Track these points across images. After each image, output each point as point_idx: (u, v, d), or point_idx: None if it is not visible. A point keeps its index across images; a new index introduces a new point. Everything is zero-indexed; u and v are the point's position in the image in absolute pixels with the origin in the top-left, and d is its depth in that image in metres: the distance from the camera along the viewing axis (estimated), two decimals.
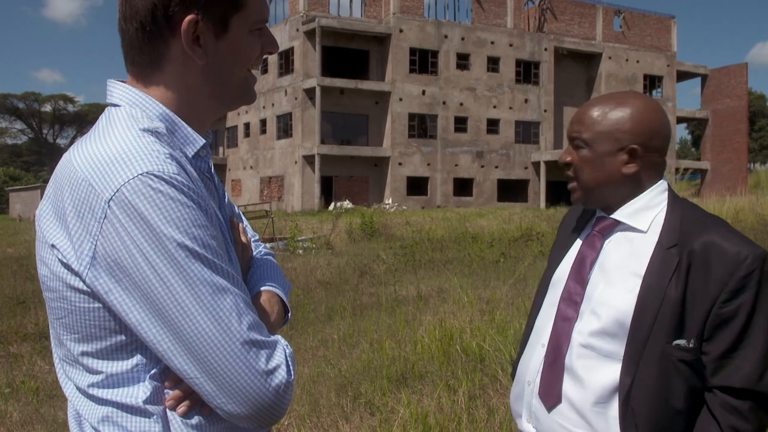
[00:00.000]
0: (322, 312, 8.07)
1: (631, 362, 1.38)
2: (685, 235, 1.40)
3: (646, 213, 1.48)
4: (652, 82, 50.33)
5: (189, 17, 1.02)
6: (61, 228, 0.97)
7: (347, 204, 36.64)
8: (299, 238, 16.61)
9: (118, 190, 0.93)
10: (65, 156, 1.04)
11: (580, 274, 1.51)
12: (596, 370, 1.44)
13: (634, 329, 1.38)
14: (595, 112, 1.49)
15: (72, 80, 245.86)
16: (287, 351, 1.03)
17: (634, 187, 1.49)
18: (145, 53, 1.05)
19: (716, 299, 1.33)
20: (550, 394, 1.50)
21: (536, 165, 43.74)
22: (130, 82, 1.09)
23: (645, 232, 1.46)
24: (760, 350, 1.33)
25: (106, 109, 1.09)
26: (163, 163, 0.96)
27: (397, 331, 6.27)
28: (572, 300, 1.50)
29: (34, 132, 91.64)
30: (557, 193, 42.43)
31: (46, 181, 68.80)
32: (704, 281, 1.35)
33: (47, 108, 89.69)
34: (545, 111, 45.04)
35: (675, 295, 1.35)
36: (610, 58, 47.75)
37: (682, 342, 1.35)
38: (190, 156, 1.07)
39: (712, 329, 1.35)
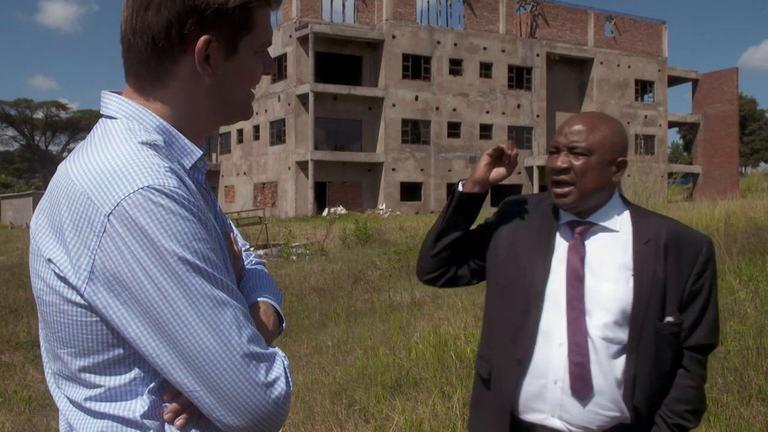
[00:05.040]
0: (316, 319, 8.06)
1: (633, 342, 1.64)
2: (653, 230, 1.70)
3: (616, 216, 1.74)
4: (644, 86, 50.59)
5: (204, 37, 1.03)
6: (57, 242, 0.97)
7: (341, 210, 36.61)
8: (293, 245, 16.57)
9: (118, 204, 0.92)
10: (61, 168, 1.03)
11: (578, 277, 1.68)
12: (615, 357, 1.66)
13: (634, 314, 1.64)
14: (592, 125, 1.70)
15: (66, 87, 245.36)
16: (285, 363, 1.03)
17: (610, 194, 1.75)
18: (152, 68, 1.05)
19: (688, 279, 1.68)
20: (584, 387, 1.66)
21: (529, 170, 43.85)
22: (128, 93, 1.08)
23: (618, 232, 1.72)
24: (714, 313, 1.72)
25: (100, 120, 1.08)
26: (163, 177, 0.95)
27: (392, 337, 6.27)
28: (578, 301, 1.67)
29: (26, 139, 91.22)
30: None
31: (38, 188, 68.50)
32: (677, 265, 1.68)
33: (39, 115, 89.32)
34: (538, 116, 45.19)
35: (660, 280, 1.65)
36: (601, 63, 47.98)
37: (671, 318, 1.66)
38: (188, 167, 1.07)
39: (687, 303, 1.69)
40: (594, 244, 1.71)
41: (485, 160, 1.77)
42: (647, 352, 1.64)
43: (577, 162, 1.66)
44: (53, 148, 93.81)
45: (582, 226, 1.72)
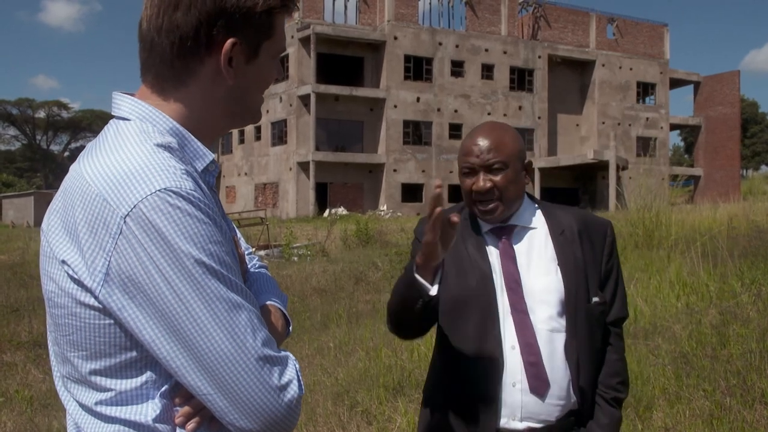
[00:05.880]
0: (318, 320, 8.07)
1: (571, 327, 1.73)
2: (564, 221, 1.83)
3: (531, 214, 1.85)
4: (645, 89, 50.59)
5: (231, 40, 1.04)
6: (71, 243, 0.96)
7: (342, 211, 36.61)
8: (294, 245, 16.58)
9: (135, 206, 0.92)
10: (74, 169, 1.02)
11: (515, 279, 1.75)
12: (561, 346, 1.73)
13: (567, 301, 1.73)
14: (499, 139, 1.76)
15: (68, 87, 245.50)
16: (296, 366, 1.03)
17: (523, 195, 1.85)
18: (176, 68, 1.05)
19: (602, 260, 1.82)
20: (542, 384, 1.70)
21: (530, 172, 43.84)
22: (143, 94, 1.08)
23: (537, 228, 1.82)
24: (623, 287, 1.87)
25: (111, 121, 1.07)
26: (180, 180, 0.96)
27: (394, 338, 6.25)
28: (520, 302, 1.74)
29: (28, 138, 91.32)
30: (551, 199, 42.30)
31: (39, 188, 68.48)
32: (591, 249, 1.81)
33: (41, 114, 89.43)
34: (539, 118, 45.19)
35: (581, 265, 1.77)
36: (603, 65, 47.98)
37: (597, 299, 1.78)
38: (200, 170, 1.08)
39: (604, 283, 1.82)
40: (521, 245, 1.80)
41: (431, 240, 1.46)
42: (584, 335, 1.74)
43: (498, 178, 1.74)
44: (55, 148, 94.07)
45: (506, 230, 1.80)
